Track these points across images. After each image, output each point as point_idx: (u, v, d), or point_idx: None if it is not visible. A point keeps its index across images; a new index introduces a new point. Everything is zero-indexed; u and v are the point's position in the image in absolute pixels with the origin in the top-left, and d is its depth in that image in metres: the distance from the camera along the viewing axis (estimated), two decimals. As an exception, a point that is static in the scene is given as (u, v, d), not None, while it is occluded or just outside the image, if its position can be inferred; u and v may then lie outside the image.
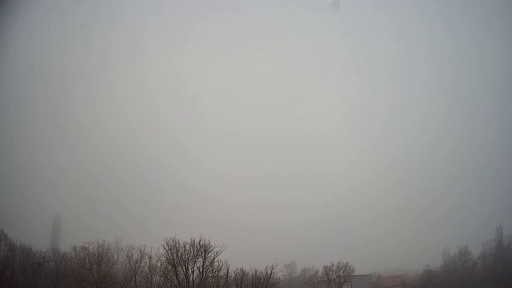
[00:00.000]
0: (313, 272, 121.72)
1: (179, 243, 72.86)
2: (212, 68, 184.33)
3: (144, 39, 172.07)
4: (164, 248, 72.69)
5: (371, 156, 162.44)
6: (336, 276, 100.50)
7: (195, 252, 73.92)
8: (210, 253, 74.38)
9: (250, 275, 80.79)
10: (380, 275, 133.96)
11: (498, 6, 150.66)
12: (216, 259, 75.18)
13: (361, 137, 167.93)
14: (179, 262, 72.78)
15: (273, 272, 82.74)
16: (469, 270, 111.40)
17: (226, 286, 79.67)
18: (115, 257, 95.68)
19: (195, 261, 74.19)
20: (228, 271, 78.90)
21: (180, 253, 72.73)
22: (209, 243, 74.23)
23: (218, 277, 77.30)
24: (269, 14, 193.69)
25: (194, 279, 73.82)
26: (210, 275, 75.54)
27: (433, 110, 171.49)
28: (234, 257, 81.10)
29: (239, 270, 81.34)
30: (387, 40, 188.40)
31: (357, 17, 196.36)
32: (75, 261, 79.21)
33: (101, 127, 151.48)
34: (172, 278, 73.79)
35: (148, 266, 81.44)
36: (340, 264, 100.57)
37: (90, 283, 69.09)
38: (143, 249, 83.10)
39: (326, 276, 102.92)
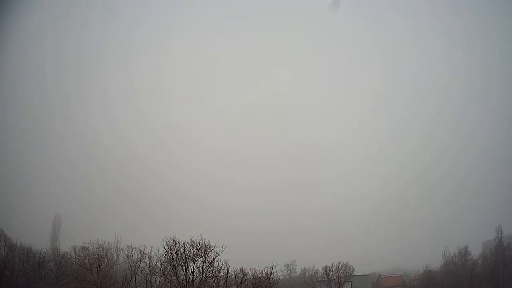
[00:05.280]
0: (313, 272, 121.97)
1: (179, 243, 72.60)
2: (211, 71, 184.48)
3: (135, 45, 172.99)
4: (164, 248, 72.47)
5: (374, 160, 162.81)
6: (336, 276, 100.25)
7: (195, 252, 73.68)
8: (210, 253, 74.19)
9: (250, 275, 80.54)
10: (380, 275, 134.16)
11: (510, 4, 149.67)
12: (216, 259, 75.01)
13: (365, 143, 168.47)
14: (179, 262, 72.58)
15: (273, 272, 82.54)
16: (469, 270, 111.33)
17: (226, 286, 79.57)
18: (115, 257, 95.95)
19: (195, 261, 73.98)
20: (228, 271, 78.74)
21: (180, 253, 72.48)
22: (209, 243, 74.08)
23: (218, 277, 77.14)
24: (268, 14, 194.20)
25: (194, 279, 73.65)
26: (210, 275, 75.39)
27: (437, 115, 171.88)
28: (234, 257, 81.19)
29: (239, 270, 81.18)
30: (387, 40, 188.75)
31: (357, 17, 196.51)
32: (75, 261, 79.19)
33: (100, 128, 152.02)
34: (172, 278, 73.60)
35: (148, 266, 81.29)
36: (340, 264, 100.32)
37: (90, 283, 68.92)
38: (143, 249, 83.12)
39: (326, 276, 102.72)
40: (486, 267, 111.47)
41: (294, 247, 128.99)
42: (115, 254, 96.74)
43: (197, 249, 73.66)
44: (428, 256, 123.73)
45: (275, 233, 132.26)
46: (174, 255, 72.17)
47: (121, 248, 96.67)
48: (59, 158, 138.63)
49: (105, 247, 77.50)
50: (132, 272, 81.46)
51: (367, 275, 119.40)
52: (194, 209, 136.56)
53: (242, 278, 79.67)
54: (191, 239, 73.62)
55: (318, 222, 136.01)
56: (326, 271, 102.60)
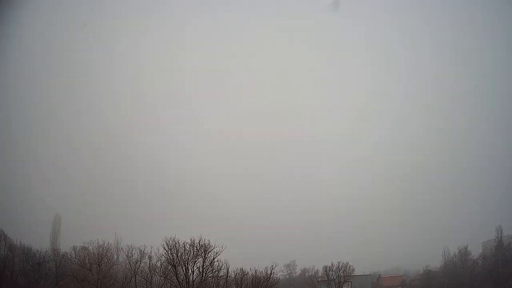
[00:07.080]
0: (313, 272, 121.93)
1: (179, 243, 72.78)
2: (212, 69, 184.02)
3: (144, 41, 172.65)
4: (164, 248, 72.67)
5: (372, 158, 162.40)
6: (336, 276, 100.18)
7: (195, 252, 73.84)
8: (210, 253, 74.34)
9: (250, 275, 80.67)
10: (380, 275, 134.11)
11: (501, 5, 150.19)
12: (216, 259, 75.19)
13: (362, 139, 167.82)
14: (179, 262, 72.70)
15: (273, 272, 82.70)
16: (469, 270, 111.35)
17: (226, 286, 79.59)
18: (115, 257, 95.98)
19: (195, 261, 74.12)
20: (228, 271, 78.90)
21: (180, 253, 72.63)
22: (209, 243, 74.22)
23: (218, 277, 77.20)
24: (268, 14, 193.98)
25: (194, 279, 73.74)
26: (210, 275, 75.47)
27: (433, 112, 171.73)
28: (234, 257, 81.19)
29: (239, 270, 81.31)
30: (387, 40, 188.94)
31: (357, 17, 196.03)
32: (75, 261, 79.31)
33: (100, 127, 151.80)
34: (172, 278, 73.72)
35: (148, 266, 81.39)
36: (340, 264, 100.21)
37: (90, 283, 69.03)
38: (143, 249, 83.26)
39: (326, 276, 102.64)
40: (486, 267, 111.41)
41: (294, 247, 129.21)
42: (115, 254, 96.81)
43: (197, 249, 73.82)
44: (428, 256, 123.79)
45: (276, 233, 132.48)
46: (174, 255, 72.28)
47: (121, 248, 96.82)
48: (59, 157, 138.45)
49: (105, 247, 77.74)
50: (132, 272, 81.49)
51: (367, 275, 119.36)
52: (194, 208, 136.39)
53: (242, 278, 79.74)
54: (191, 239, 73.90)
55: (318, 222, 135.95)
56: (326, 271, 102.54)
